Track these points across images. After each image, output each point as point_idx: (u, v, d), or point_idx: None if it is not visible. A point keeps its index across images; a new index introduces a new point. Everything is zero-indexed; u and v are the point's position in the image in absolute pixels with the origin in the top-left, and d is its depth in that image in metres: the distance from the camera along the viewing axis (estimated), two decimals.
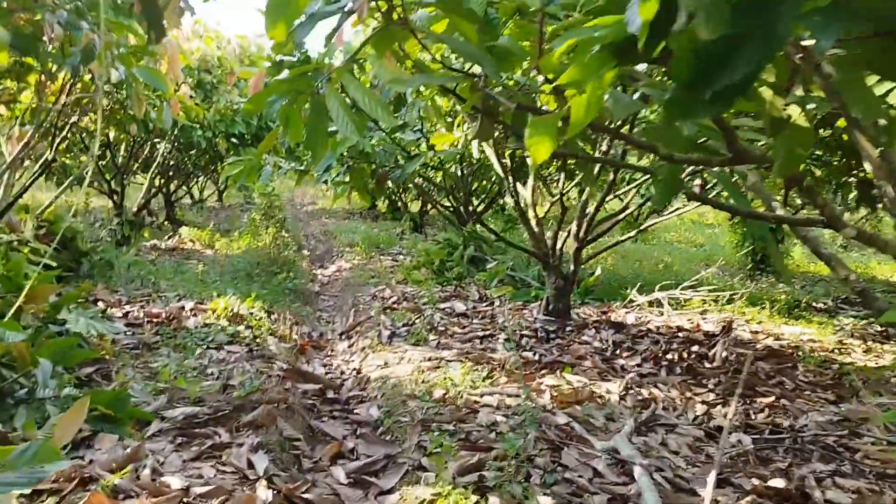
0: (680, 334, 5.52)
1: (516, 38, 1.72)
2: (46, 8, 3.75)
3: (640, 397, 4.01)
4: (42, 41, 3.94)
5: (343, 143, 4.25)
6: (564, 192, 5.48)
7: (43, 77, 5.42)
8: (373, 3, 1.59)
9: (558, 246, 5.54)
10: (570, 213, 5.69)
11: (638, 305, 6.35)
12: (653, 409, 3.77)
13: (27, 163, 6.62)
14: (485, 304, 6.37)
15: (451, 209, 9.63)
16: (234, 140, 8.97)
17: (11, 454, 1.16)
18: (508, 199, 5.83)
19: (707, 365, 4.77)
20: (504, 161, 5.47)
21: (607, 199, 5.53)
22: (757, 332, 5.76)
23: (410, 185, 12.22)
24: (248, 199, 15.51)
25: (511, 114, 1.85)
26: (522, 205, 5.60)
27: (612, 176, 5.20)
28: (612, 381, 4.31)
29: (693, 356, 4.92)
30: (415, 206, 12.99)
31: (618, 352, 5.01)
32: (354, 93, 2.79)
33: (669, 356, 4.88)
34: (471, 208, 9.58)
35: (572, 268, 5.54)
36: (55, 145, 4.83)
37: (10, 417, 3.09)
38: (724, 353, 4.90)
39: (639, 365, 4.72)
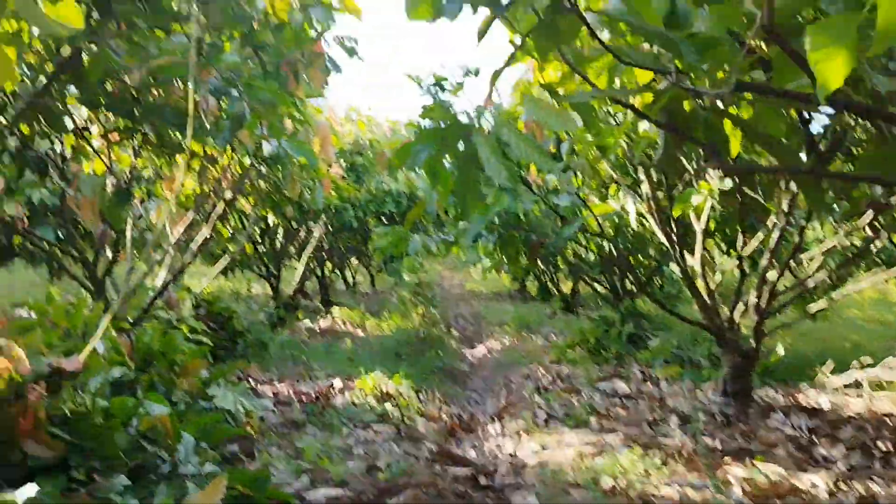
0: (889, 420, 4.68)
1: (716, 25, 1.37)
2: (203, 84, 3.84)
3: (855, 493, 3.31)
4: (197, 116, 4.03)
5: (494, 206, 4.01)
6: (743, 254, 4.88)
7: (204, 162, 5.64)
8: None
9: (735, 318, 4.92)
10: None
11: (832, 388, 5.52)
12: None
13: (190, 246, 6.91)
14: (650, 385, 5.77)
15: (606, 286, 9.12)
16: (384, 219, 9.04)
17: None
18: (674, 268, 5.31)
19: None
20: (667, 228, 5.02)
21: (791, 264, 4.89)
22: None
23: (561, 265, 11.84)
24: (397, 284, 15.70)
25: (705, 124, 1.47)
26: (691, 273, 5.06)
27: (797, 238, 4.59)
28: (814, 472, 3.62)
29: None
30: (566, 286, 12.53)
31: (815, 439, 4.27)
32: (507, 136, 2.52)
33: (882, 445, 4.10)
34: (627, 284, 9.04)
35: (753, 344, 4.88)
36: (213, 224, 4.92)
37: (151, 494, 2.94)
38: None
39: (845, 455, 3.98)
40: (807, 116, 1.90)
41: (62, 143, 4.75)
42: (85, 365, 3.29)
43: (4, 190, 6.19)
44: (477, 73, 4.10)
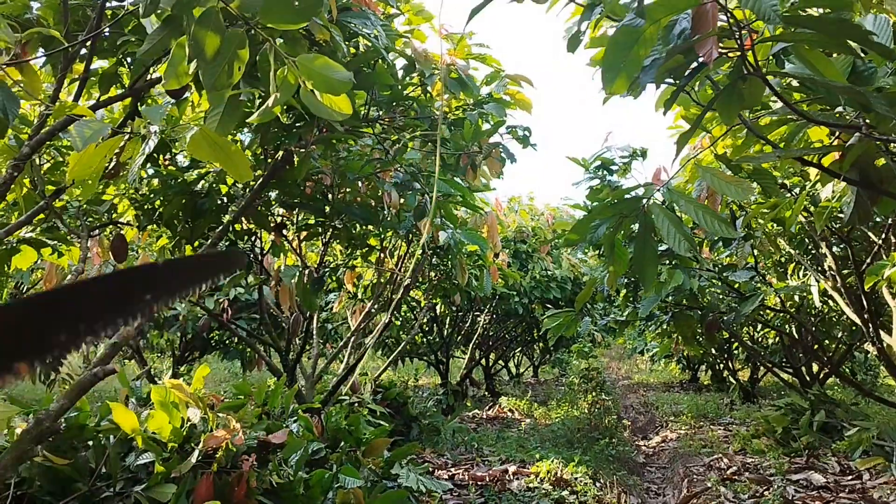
0: None
1: None
2: (386, 179, 4.18)
3: None
4: (380, 209, 4.37)
5: (668, 283, 3.98)
6: None
7: (382, 255, 6.02)
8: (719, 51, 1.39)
9: None
10: None
11: None
12: None
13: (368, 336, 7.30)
14: (850, 478, 5.29)
15: (790, 371, 8.55)
16: (549, 305, 9.09)
17: None
18: (868, 347, 4.94)
19: None
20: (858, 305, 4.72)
21: None
22: None
23: (737, 351, 11.23)
24: (562, 374, 15.48)
25: None
26: (888, 353, 4.69)
27: None
28: None
29: None
30: (743, 374, 11.81)
31: None
32: (685, 206, 2.56)
33: None
34: (814, 370, 8.42)
35: None
36: (390, 310, 5.22)
37: None
38: None
39: None
40: None
41: (261, 239, 5.28)
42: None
43: (210, 288, 6.91)
44: (644, 154, 4.18)
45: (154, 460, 2.93)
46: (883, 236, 4.90)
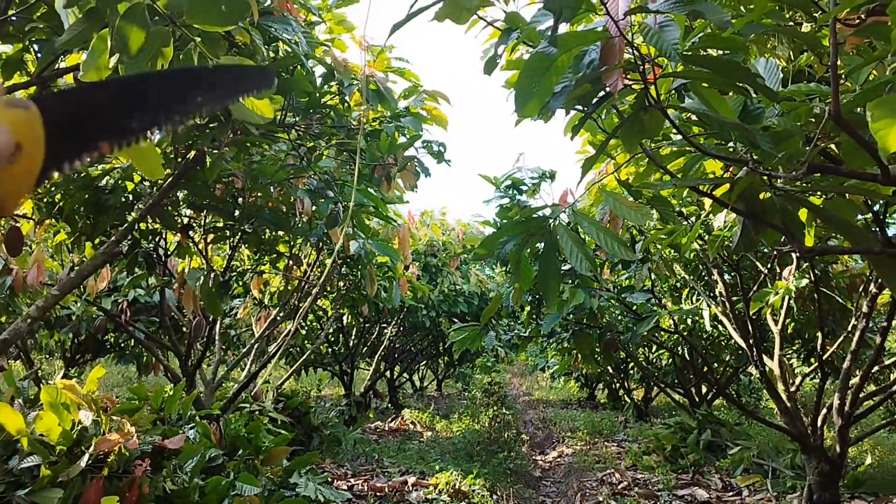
0: None
1: (791, 119, 1.53)
2: (299, 186, 4.16)
3: None
4: (291, 215, 4.34)
5: (570, 301, 4.12)
6: (824, 357, 4.80)
7: (290, 262, 5.96)
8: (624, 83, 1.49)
9: (819, 423, 4.80)
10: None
11: None
12: None
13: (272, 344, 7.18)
14: (731, 494, 5.59)
15: (681, 392, 8.95)
16: (455, 319, 9.19)
17: None
18: (752, 370, 5.24)
19: None
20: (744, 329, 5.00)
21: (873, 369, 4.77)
22: None
23: (632, 371, 11.66)
24: (465, 388, 15.64)
25: (780, 209, 1.61)
26: (770, 377, 4.99)
27: (879, 339, 4.52)
28: None
29: None
30: (638, 393, 12.26)
31: None
32: (588, 227, 2.68)
33: None
34: (703, 391, 8.84)
35: (838, 450, 4.73)
36: (297, 318, 5.17)
37: None
38: None
39: None
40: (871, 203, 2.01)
41: (165, 240, 5.14)
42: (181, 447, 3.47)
43: (108, 288, 6.64)
44: (552, 176, 4.32)
45: (40, 463, 2.81)
46: (769, 266, 5.23)
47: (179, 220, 4.53)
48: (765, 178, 1.57)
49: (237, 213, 4.38)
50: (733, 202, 1.65)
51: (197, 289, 4.25)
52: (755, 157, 1.57)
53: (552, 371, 14.35)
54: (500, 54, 1.74)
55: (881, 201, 3.18)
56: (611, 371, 11.31)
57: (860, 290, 5.29)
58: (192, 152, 3.37)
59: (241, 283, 5.31)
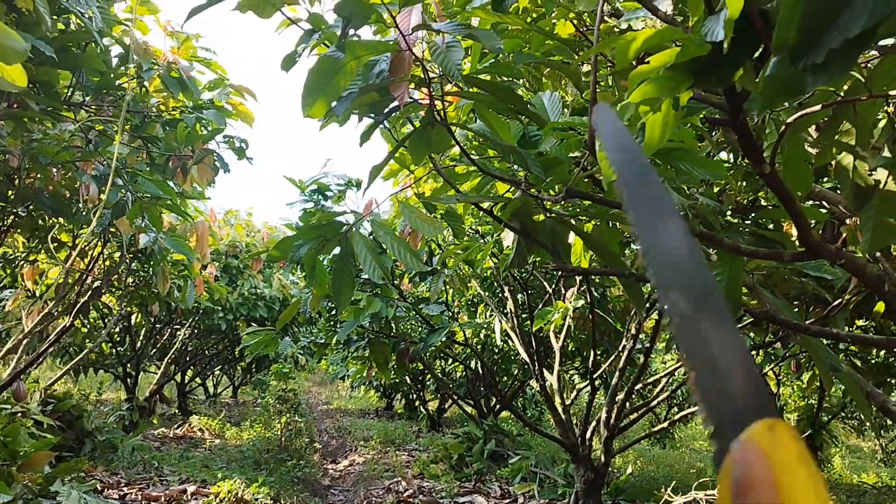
0: None
1: (562, 148, 1.67)
2: (86, 170, 3.87)
3: None
4: (75, 202, 4.02)
5: (366, 309, 4.17)
6: (595, 373, 5.22)
7: (72, 253, 5.50)
8: (412, 97, 1.55)
9: (587, 435, 5.20)
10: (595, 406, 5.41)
11: None
12: None
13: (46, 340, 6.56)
14: (507, 501, 5.90)
15: (472, 403, 9.31)
16: (254, 324, 8.93)
17: None
18: (534, 384, 5.59)
19: None
20: (530, 348, 5.32)
21: (636, 386, 5.27)
22: None
23: (428, 382, 11.96)
24: (262, 395, 15.22)
25: (550, 231, 1.74)
26: (549, 391, 5.35)
27: (642, 359, 5.00)
28: None
29: None
30: (433, 404, 12.60)
31: None
32: (384, 237, 2.74)
33: None
34: (492, 403, 9.26)
35: (603, 459, 5.16)
36: (74, 313, 4.77)
37: None
38: None
39: None
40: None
41: None
42: None
43: None
44: (358, 184, 4.36)
45: None
46: (554, 287, 5.61)
47: None
48: (535, 199, 1.69)
49: (11, 194, 3.98)
50: (507, 219, 1.77)
51: None
52: (529, 181, 1.69)
53: (352, 380, 14.37)
54: (299, 53, 1.73)
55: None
56: (408, 382, 11.53)
57: (632, 313, 5.83)
58: None
59: (9, 271, 4.81)
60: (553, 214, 1.85)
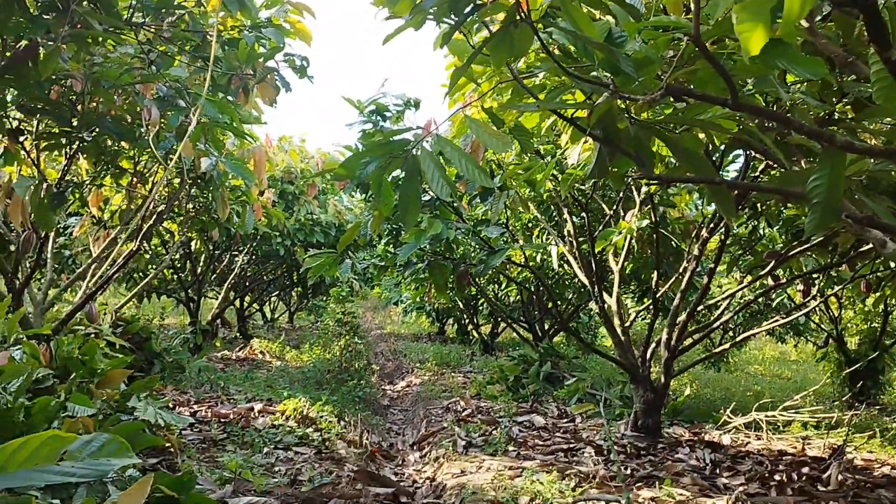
0: (784, 457, 4.99)
1: (652, 48, 1.58)
2: (146, 94, 3.87)
3: None
4: (136, 126, 4.04)
5: (427, 231, 4.15)
6: (657, 295, 5.16)
7: (134, 179, 5.58)
8: None
9: (647, 355, 5.19)
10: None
11: (733, 427, 5.83)
12: None
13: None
14: (565, 421, 5.96)
15: (526, 327, 9.36)
16: (311, 249, 9.05)
17: (74, 443, 0.96)
18: (593, 305, 5.56)
19: (821, 488, 4.25)
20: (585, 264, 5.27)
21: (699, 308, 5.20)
22: (871, 460, 5.17)
23: (481, 307, 12.05)
24: (317, 321, 15.57)
25: (634, 138, 1.67)
26: (608, 313, 5.32)
27: (705, 280, 4.92)
28: (716, 498, 3.84)
29: (804, 478, 4.39)
30: (485, 329, 12.73)
31: (717, 471, 4.53)
32: (451, 153, 2.68)
33: (777, 477, 4.38)
34: (546, 327, 9.30)
35: (662, 380, 5.15)
36: (140, 238, 4.86)
37: (70, 496, 2.88)
38: (840, 477, 4.37)
39: (743, 484, 4.23)
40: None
41: None
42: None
43: None
44: (417, 104, 4.28)
45: None
46: (614, 209, 5.51)
47: (8, 123, 4.10)
48: (623, 105, 1.62)
49: (75, 119, 4.01)
50: (592, 127, 1.70)
51: (26, 199, 3.88)
52: (615, 83, 1.61)
53: (405, 305, 14.58)
54: None
55: (720, 150, 3.42)
56: (461, 306, 11.65)
57: (693, 235, 5.71)
58: (24, 42, 3.03)
59: (77, 195, 4.91)
60: (636, 122, 1.77)
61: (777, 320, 5.56)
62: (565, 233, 5.62)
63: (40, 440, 0.91)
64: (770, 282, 5.57)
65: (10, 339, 4.07)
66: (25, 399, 3.09)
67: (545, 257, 6.99)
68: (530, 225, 7.07)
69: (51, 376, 3.67)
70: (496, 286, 10.49)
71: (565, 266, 7.59)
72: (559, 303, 9.06)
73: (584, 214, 5.48)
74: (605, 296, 5.45)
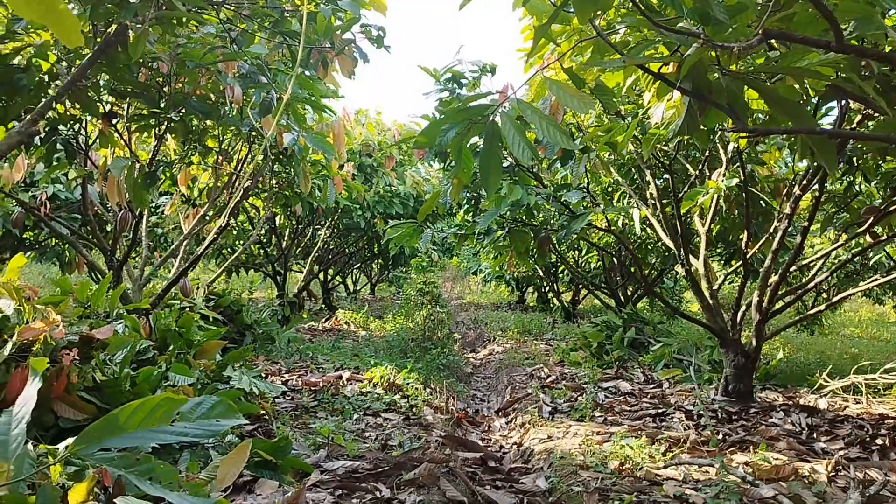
0: (886, 421, 4.78)
1: None
2: (228, 72, 3.96)
3: (855, 479, 3.40)
4: (222, 105, 4.15)
5: (507, 197, 4.12)
6: (747, 257, 4.98)
7: (220, 157, 5.75)
8: None
9: (738, 319, 5.04)
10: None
11: (830, 391, 5.62)
12: (882, 483, 3.18)
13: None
14: (652, 386, 5.88)
15: (608, 293, 9.24)
16: (391, 221, 9.16)
17: (186, 405, 1.00)
18: (678, 269, 5.42)
19: None
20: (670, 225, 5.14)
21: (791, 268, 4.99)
22: None
23: (562, 275, 11.95)
24: (398, 292, 15.79)
25: (726, 89, 1.60)
26: (695, 276, 5.18)
27: (799, 239, 4.72)
28: (814, 462, 3.72)
29: None
30: (566, 296, 12.64)
31: (814, 435, 4.38)
32: (531, 116, 2.64)
33: (879, 441, 4.20)
34: (628, 292, 9.15)
35: (754, 343, 4.99)
36: (227, 214, 5.02)
37: (175, 461, 3.04)
38: None
39: (843, 449, 4.08)
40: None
41: (86, 130, 4.86)
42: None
43: (24, 181, 6.30)
44: (493, 70, 4.23)
45: None
46: (699, 169, 5.34)
47: (101, 107, 4.28)
48: (713, 55, 1.55)
49: (162, 100, 4.15)
50: (682, 81, 1.63)
51: (121, 179, 4.06)
52: (706, 33, 1.54)
53: (484, 275, 14.61)
54: None
55: (814, 100, 3.25)
56: (541, 274, 11.58)
57: (784, 193, 5.48)
58: (114, 26, 3.14)
59: (168, 174, 5.09)
60: (727, 73, 1.70)
61: (875, 280, 5.28)
62: (648, 195, 5.49)
63: (155, 402, 0.96)
64: (868, 240, 5.29)
65: (112, 314, 4.29)
66: (130, 370, 3.26)
67: (627, 222, 6.85)
68: (610, 189, 6.93)
69: (151, 348, 3.86)
70: (576, 252, 10.37)
71: (648, 230, 7.42)
72: (642, 267, 8.88)
73: (666, 176, 5.32)
74: (692, 258, 5.31)
